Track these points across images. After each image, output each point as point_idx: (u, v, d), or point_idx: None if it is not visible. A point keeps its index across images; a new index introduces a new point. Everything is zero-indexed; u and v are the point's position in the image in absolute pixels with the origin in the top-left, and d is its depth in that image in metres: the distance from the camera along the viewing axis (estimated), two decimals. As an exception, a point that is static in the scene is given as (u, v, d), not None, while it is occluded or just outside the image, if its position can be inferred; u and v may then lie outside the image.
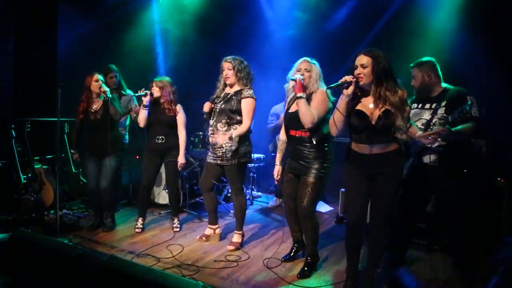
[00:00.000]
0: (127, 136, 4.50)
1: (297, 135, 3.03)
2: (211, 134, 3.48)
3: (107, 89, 3.75)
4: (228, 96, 3.43)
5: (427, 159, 3.04)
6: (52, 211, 4.26)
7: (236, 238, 3.64)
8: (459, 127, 2.81)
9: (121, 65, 4.51)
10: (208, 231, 3.79)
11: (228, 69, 3.41)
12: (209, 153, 3.59)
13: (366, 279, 2.82)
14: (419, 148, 3.04)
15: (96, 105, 3.83)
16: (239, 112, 3.41)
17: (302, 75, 2.95)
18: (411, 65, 3.14)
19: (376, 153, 2.59)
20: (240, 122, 3.43)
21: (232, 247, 3.56)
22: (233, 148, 3.38)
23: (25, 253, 2.04)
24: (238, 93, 3.42)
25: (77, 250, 1.89)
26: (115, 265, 1.78)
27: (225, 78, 3.43)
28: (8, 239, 2.16)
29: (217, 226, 3.81)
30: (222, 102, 3.43)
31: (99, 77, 3.81)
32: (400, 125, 2.48)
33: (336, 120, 2.61)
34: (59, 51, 4.99)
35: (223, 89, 3.53)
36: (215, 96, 3.53)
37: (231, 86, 3.48)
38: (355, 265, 2.85)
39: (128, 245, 3.63)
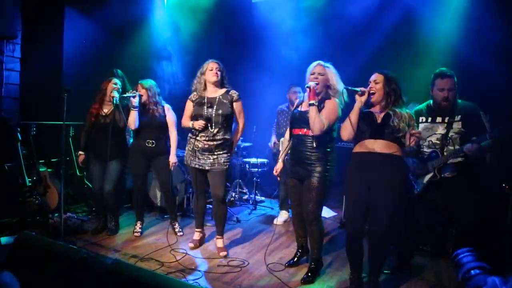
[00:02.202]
0: (131, 141, 4.52)
1: (300, 133, 3.05)
2: (205, 140, 3.40)
3: (116, 95, 3.76)
4: (217, 101, 3.39)
5: (446, 173, 3.03)
6: (56, 214, 4.27)
7: (220, 243, 3.63)
8: (484, 143, 2.86)
9: (127, 69, 4.53)
10: (197, 235, 3.76)
11: (217, 69, 3.41)
12: (192, 158, 3.47)
13: (370, 287, 2.81)
14: (440, 164, 3.03)
15: (108, 109, 3.86)
16: (233, 115, 3.46)
17: (316, 78, 2.97)
18: (451, 73, 3.00)
19: (378, 152, 2.65)
20: (233, 126, 3.48)
21: (224, 253, 3.55)
22: (228, 154, 3.42)
23: (29, 256, 2.04)
24: (226, 95, 3.40)
25: (81, 253, 1.89)
26: (119, 269, 1.77)
27: (214, 75, 3.38)
28: (12, 242, 2.17)
29: (203, 229, 3.84)
30: (214, 108, 3.37)
31: (117, 80, 3.86)
32: (400, 126, 2.63)
33: (352, 121, 2.73)
34: (65, 55, 5.02)
35: (203, 92, 3.47)
36: (195, 100, 3.48)
37: (215, 85, 3.43)
38: (358, 272, 2.86)
39: (132, 249, 3.63)
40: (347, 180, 2.84)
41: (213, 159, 3.41)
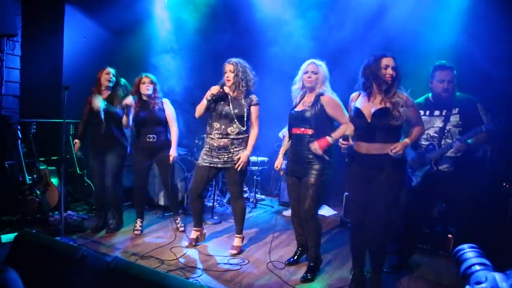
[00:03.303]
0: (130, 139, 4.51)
1: (299, 132, 3.06)
2: (218, 138, 3.41)
3: (102, 106, 3.69)
4: (237, 101, 3.40)
5: (442, 166, 3.04)
6: (56, 212, 4.27)
7: (237, 242, 3.63)
8: (470, 140, 2.86)
9: (128, 66, 4.52)
10: (195, 234, 3.74)
11: (230, 71, 3.38)
12: (206, 157, 3.47)
13: (372, 284, 2.81)
14: (437, 156, 3.03)
15: (103, 97, 3.84)
16: (249, 117, 3.43)
17: (310, 77, 3.00)
18: (450, 65, 3.00)
19: (374, 153, 2.63)
20: (247, 127, 3.45)
21: (234, 251, 3.55)
22: (241, 153, 3.38)
23: (30, 254, 2.05)
24: (246, 98, 3.41)
25: (81, 251, 1.89)
26: (119, 266, 1.78)
27: (226, 80, 3.39)
28: (13, 240, 2.17)
29: (202, 227, 3.80)
30: (232, 106, 3.38)
31: (110, 70, 3.86)
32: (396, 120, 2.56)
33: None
34: (65, 53, 5.02)
35: (226, 88, 3.46)
36: (219, 88, 3.41)
37: (231, 88, 3.43)
38: (360, 268, 2.86)
39: (132, 246, 3.64)
40: (348, 176, 2.83)
41: (228, 156, 3.40)
